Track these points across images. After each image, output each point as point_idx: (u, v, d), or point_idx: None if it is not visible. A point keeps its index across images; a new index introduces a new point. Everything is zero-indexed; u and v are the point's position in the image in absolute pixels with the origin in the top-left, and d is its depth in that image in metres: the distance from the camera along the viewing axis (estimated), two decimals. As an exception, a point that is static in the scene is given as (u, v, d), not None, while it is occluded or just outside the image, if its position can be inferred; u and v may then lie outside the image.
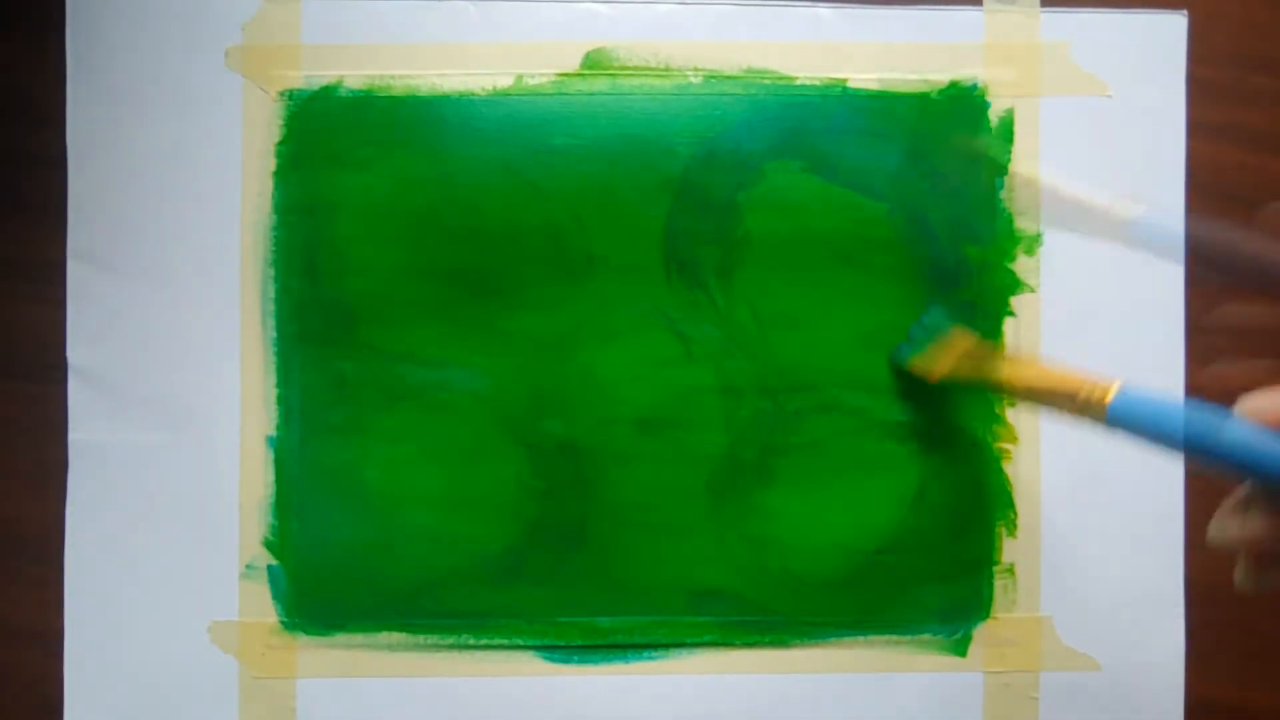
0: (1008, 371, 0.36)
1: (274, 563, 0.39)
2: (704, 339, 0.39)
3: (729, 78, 0.40)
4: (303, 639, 0.39)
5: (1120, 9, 0.40)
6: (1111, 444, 0.39)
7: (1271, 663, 0.40)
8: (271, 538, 0.39)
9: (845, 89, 0.40)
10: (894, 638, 0.40)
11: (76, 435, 0.39)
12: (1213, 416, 0.29)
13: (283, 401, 0.39)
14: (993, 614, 0.40)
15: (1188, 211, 0.40)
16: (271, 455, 0.39)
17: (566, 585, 0.39)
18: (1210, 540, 0.29)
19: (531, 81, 0.39)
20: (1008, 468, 0.40)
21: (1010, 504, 0.40)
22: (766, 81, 0.40)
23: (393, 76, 0.39)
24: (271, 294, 0.39)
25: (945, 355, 0.38)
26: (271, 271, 0.39)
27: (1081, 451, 0.40)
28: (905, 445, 0.39)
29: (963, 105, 0.40)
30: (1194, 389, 0.40)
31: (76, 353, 0.39)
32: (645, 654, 0.39)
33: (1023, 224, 0.40)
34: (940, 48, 0.40)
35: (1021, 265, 0.40)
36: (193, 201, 0.39)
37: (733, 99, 0.39)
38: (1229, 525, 0.29)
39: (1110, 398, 0.32)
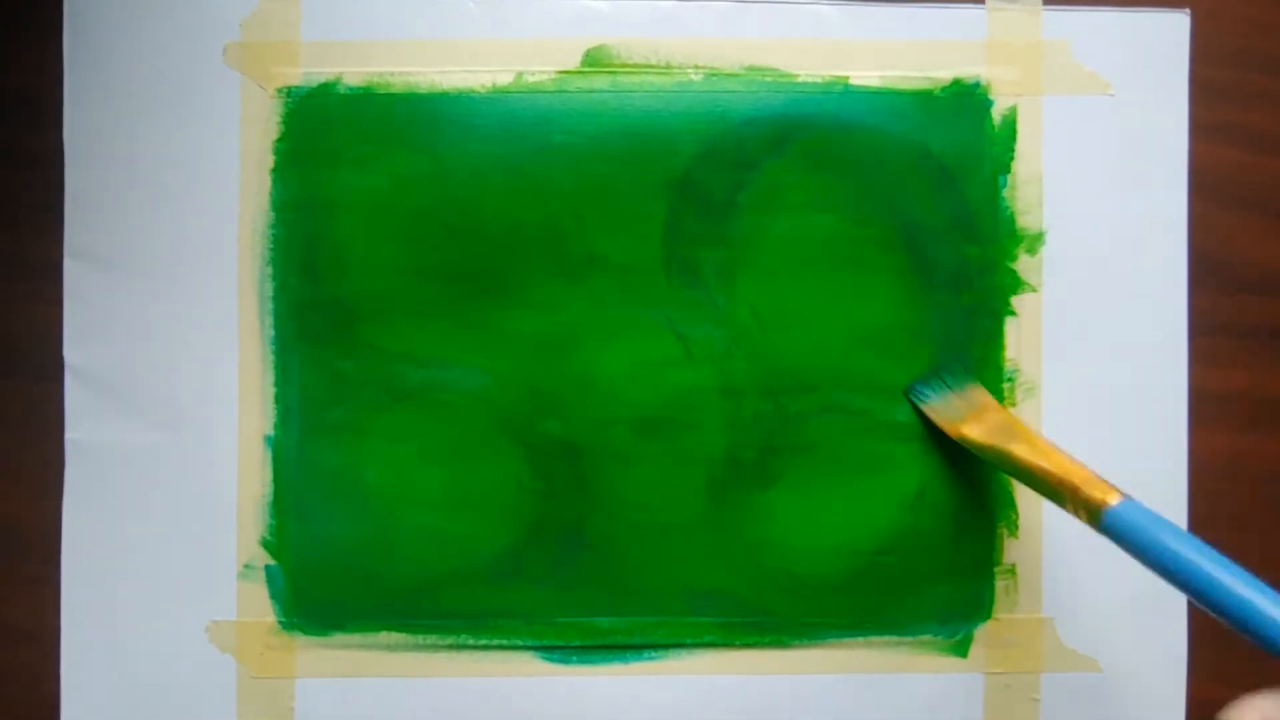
0: (1018, 447, 0.35)
1: (272, 563, 0.39)
2: (704, 339, 0.39)
3: (730, 75, 0.39)
4: (301, 639, 0.39)
5: (1122, 8, 0.40)
6: (1112, 445, 0.40)
7: (1273, 664, 0.40)
8: (270, 538, 0.39)
9: (847, 87, 0.39)
10: (894, 638, 0.39)
11: (73, 435, 0.39)
12: (1199, 554, 0.29)
13: (281, 401, 0.39)
14: (994, 615, 0.40)
15: (1191, 211, 0.40)
16: (270, 455, 0.39)
17: (566, 585, 0.39)
18: None
19: (531, 79, 0.39)
20: (1009, 468, 0.39)
21: (1011, 504, 0.40)
22: (768, 79, 0.39)
23: (392, 73, 0.39)
24: (270, 293, 0.39)
25: (964, 413, 0.38)
26: (270, 270, 0.39)
27: (1083, 452, 0.39)
28: (906, 446, 0.39)
29: (965, 103, 0.39)
30: (1197, 390, 0.40)
31: (73, 352, 0.39)
32: (645, 654, 0.39)
33: (1024, 223, 0.40)
34: (942, 45, 0.40)
35: (1023, 265, 0.40)
36: (190, 200, 0.39)
37: (734, 97, 0.39)
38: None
39: (1108, 505, 0.31)
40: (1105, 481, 0.32)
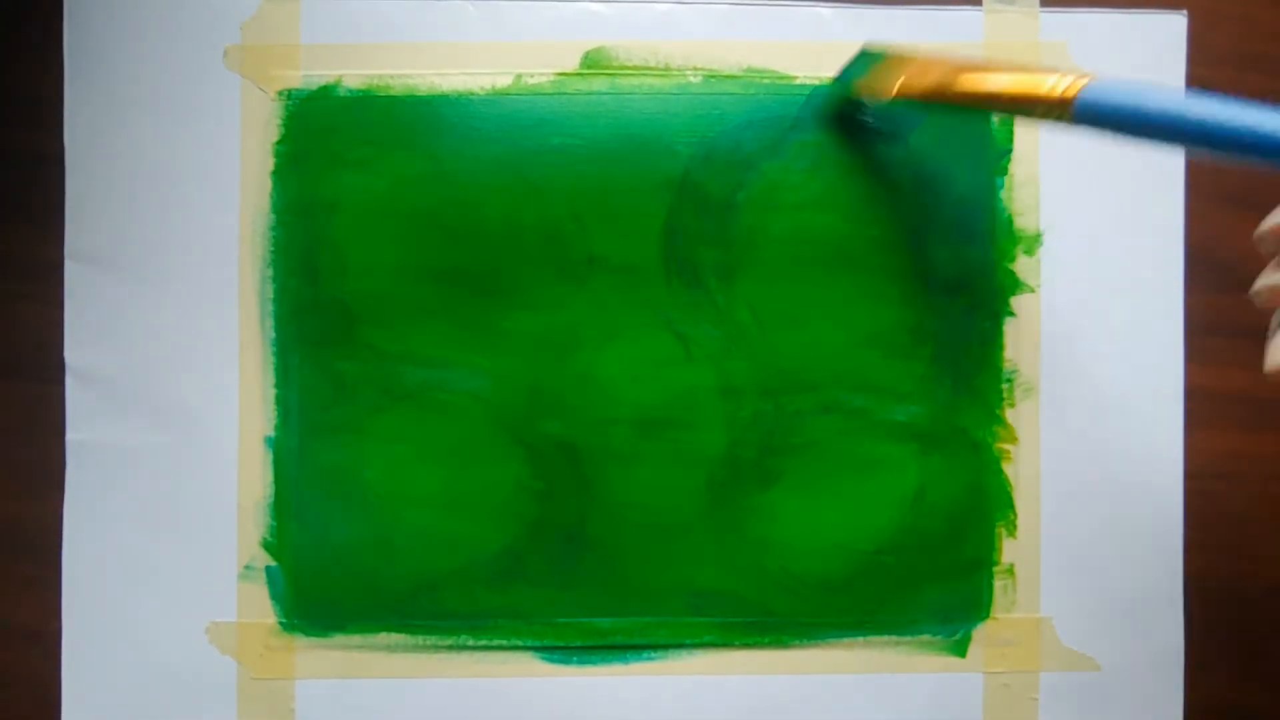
0: (964, 80, 0.34)
1: (272, 564, 0.39)
2: (704, 339, 0.39)
3: (728, 77, 0.40)
4: (301, 640, 0.39)
5: (1120, 9, 0.40)
6: (1109, 444, 0.40)
7: (1271, 663, 0.40)
8: (270, 538, 0.39)
9: (845, 89, 0.39)
10: (894, 638, 0.40)
11: (74, 436, 0.39)
12: (1189, 101, 0.28)
13: (281, 402, 0.39)
14: (992, 614, 0.40)
15: (1187, 211, 0.40)
16: (270, 456, 0.39)
17: (566, 586, 0.39)
18: (1254, 295, 0.29)
19: (531, 81, 0.39)
20: (1007, 468, 0.40)
21: (1010, 504, 0.40)
22: (766, 81, 0.40)
23: (392, 76, 0.39)
24: (270, 294, 0.39)
25: (894, 73, 0.36)
26: (270, 271, 0.39)
27: (1081, 452, 0.40)
28: (905, 446, 0.39)
29: (962, 105, 0.40)
30: (1194, 389, 0.40)
31: (74, 353, 0.39)
32: (645, 654, 0.39)
33: (1022, 224, 0.40)
34: (940, 48, 0.40)
35: (1021, 265, 0.40)
36: (191, 201, 0.39)
37: (732, 99, 0.39)
38: (1273, 277, 0.28)
39: (1078, 91, 0.30)
40: (1067, 71, 0.31)
